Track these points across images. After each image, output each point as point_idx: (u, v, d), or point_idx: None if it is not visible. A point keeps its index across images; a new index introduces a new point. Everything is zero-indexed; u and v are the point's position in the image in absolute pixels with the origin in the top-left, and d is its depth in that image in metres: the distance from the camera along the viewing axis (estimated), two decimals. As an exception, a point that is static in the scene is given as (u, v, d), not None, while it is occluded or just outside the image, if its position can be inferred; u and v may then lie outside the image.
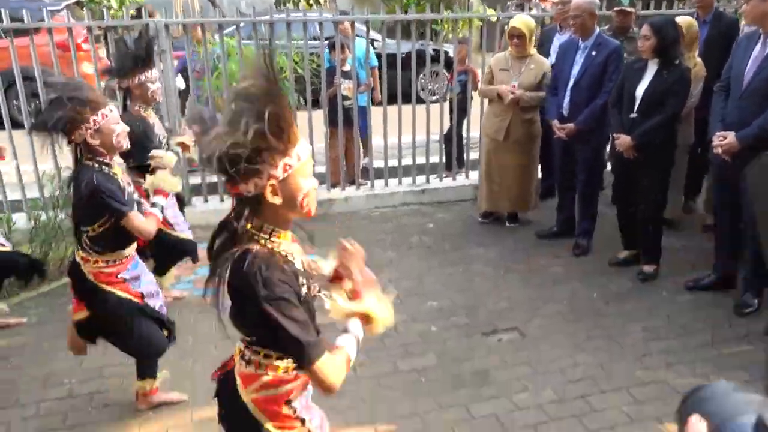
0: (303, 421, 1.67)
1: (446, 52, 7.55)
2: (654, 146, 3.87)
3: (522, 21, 4.53)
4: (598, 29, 4.30)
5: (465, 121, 5.87)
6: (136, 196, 2.71)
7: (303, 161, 1.45)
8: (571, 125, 4.28)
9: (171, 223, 3.63)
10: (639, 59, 3.90)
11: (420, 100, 5.69)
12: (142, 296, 2.72)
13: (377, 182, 5.70)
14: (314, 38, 5.75)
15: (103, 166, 2.50)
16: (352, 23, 5.54)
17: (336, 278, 1.78)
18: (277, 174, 1.40)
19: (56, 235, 4.12)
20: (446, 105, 5.90)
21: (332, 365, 1.48)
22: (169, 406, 2.97)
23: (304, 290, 1.51)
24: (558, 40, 5.07)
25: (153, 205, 2.73)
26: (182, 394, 3.03)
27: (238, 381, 1.63)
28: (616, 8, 5.02)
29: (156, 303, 2.81)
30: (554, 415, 2.90)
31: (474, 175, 5.70)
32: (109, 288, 2.62)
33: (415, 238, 4.91)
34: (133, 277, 2.71)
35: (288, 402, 1.63)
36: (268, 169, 1.39)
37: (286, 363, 1.62)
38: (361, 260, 1.72)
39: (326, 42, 5.56)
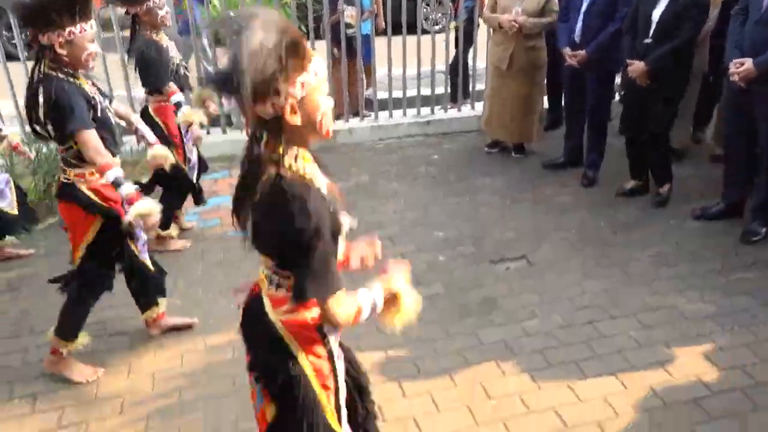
0: (332, 357, 1.62)
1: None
2: (669, 70, 3.76)
3: None
4: (613, -48, 4.10)
5: (471, 50, 5.71)
6: (108, 106, 2.57)
7: (320, 78, 1.38)
8: (582, 52, 4.15)
9: (188, 158, 3.63)
10: (656, -18, 3.74)
11: (424, 31, 5.50)
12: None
13: (381, 113, 5.59)
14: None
15: (68, 77, 2.38)
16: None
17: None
18: (295, 93, 1.34)
19: (58, 167, 4.06)
20: (452, 34, 5.71)
21: (345, 303, 1.47)
22: (182, 333, 3.01)
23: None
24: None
25: (120, 180, 2.43)
26: (192, 318, 3.07)
27: (267, 302, 1.57)
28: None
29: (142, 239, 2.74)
30: (563, 340, 2.94)
31: (480, 106, 5.59)
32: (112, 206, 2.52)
33: (421, 169, 4.85)
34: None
35: (319, 329, 1.58)
36: (286, 87, 1.32)
37: None
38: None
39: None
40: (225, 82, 1.31)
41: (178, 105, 3.44)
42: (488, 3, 4.67)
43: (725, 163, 4.03)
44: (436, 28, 7.82)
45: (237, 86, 1.27)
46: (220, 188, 4.55)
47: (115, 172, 2.42)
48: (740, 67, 3.42)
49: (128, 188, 2.41)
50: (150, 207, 2.39)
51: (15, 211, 3.49)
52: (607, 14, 4.06)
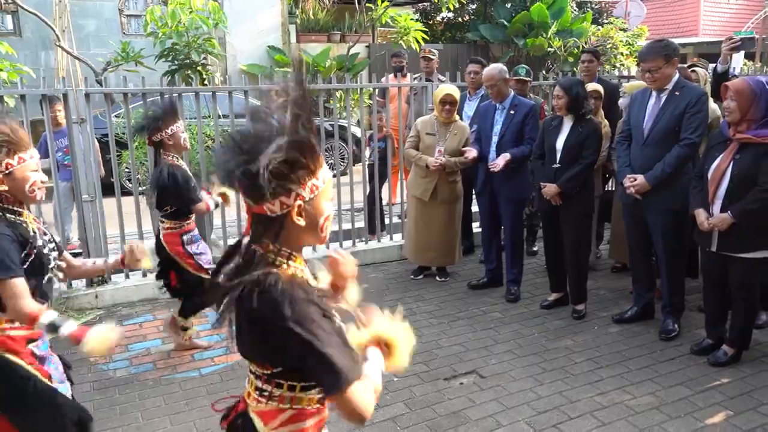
0: None
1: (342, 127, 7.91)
2: (576, 196, 4.25)
3: (453, 89, 4.86)
4: (512, 92, 4.74)
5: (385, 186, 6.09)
6: (53, 249, 2.31)
7: (327, 183, 1.44)
8: (499, 161, 4.51)
9: (204, 268, 3.69)
10: (555, 117, 4.35)
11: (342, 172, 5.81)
12: (50, 378, 2.28)
13: (305, 248, 5.65)
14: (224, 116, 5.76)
15: (8, 214, 2.16)
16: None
17: (334, 291, 1.77)
18: (304, 194, 1.38)
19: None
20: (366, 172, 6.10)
21: (364, 392, 1.38)
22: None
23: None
24: (468, 105, 5.50)
25: (57, 322, 2.11)
26: None
27: (257, 420, 1.51)
28: (514, 77, 5.54)
29: (67, 391, 2.36)
30: (533, 445, 2.97)
31: (397, 237, 5.87)
32: (13, 358, 2.15)
33: (354, 297, 4.90)
34: (43, 357, 2.26)
35: None
36: (296, 188, 1.37)
37: (312, 393, 1.54)
38: (355, 267, 1.73)
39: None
40: (244, 175, 1.33)
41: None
42: (410, 140, 5.05)
43: (632, 270, 4.48)
44: (333, 172, 8.27)
45: (255, 180, 1.30)
46: (147, 332, 4.29)
47: (48, 316, 2.09)
48: (634, 181, 3.95)
49: (69, 327, 2.10)
50: (106, 334, 2.10)
51: None
52: (515, 143, 4.59)
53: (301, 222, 1.39)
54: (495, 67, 4.67)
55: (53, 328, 2.09)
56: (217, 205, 3.74)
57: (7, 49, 6.31)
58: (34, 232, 2.23)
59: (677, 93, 3.87)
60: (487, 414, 3.24)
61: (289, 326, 1.32)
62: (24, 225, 2.20)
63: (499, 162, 4.51)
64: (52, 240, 2.34)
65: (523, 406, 3.30)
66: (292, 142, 1.34)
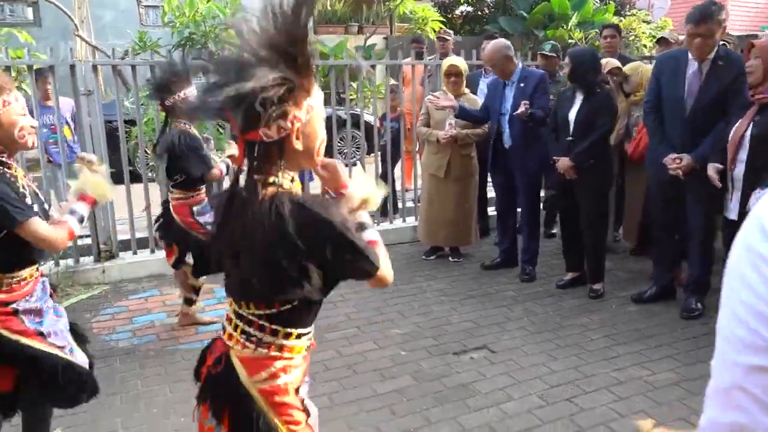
0: (308, 413, 1.50)
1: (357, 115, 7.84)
2: (591, 169, 4.07)
3: (458, 60, 4.75)
4: (521, 64, 4.57)
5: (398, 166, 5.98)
6: (36, 203, 2.17)
7: (320, 103, 1.36)
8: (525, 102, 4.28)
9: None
10: (569, 88, 4.18)
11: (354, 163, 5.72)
12: (42, 335, 2.11)
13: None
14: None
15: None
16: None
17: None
18: (301, 116, 1.29)
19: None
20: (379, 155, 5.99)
21: (386, 259, 1.44)
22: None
23: None
24: (483, 82, 5.36)
25: (71, 212, 2.17)
26: None
27: (240, 368, 1.41)
28: (539, 53, 5.38)
29: (61, 342, 2.20)
30: (545, 418, 2.83)
31: (410, 219, 5.75)
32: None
33: (364, 276, 4.80)
34: (30, 310, 2.10)
35: (297, 390, 1.48)
36: (293, 110, 1.28)
37: (304, 341, 1.48)
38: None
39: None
40: (237, 101, 1.24)
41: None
42: (421, 118, 4.94)
43: (655, 250, 4.27)
44: (353, 160, 8.18)
45: (251, 105, 1.22)
46: (152, 306, 4.23)
47: (72, 221, 2.13)
48: (680, 162, 3.68)
49: (81, 207, 2.21)
50: (95, 180, 2.27)
51: None
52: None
53: (299, 146, 1.32)
54: (495, 46, 4.43)
55: (81, 219, 2.18)
56: (228, 168, 3.58)
57: (26, 38, 6.35)
58: (24, 188, 2.10)
59: (720, 63, 3.60)
60: (498, 387, 3.10)
61: (339, 231, 1.30)
62: (13, 180, 2.06)
63: (521, 108, 4.24)
64: (39, 197, 2.20)
65: (536, 380, 3.16)
66: (290, 62, 1.25)
